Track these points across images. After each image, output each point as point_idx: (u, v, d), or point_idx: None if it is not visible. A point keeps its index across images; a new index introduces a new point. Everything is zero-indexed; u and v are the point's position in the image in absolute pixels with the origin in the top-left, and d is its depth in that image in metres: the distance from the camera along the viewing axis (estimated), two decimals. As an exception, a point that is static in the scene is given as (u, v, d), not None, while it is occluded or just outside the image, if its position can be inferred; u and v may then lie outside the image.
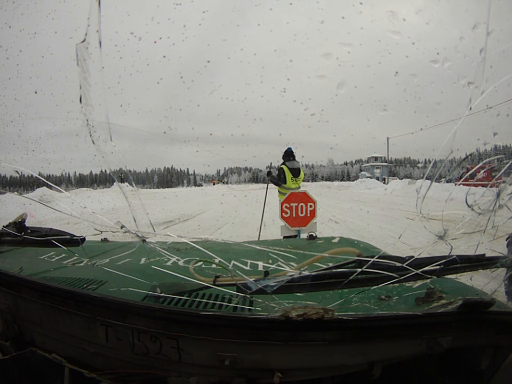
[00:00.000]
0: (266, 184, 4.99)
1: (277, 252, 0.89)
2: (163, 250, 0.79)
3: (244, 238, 4.88)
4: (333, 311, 0.63)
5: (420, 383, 0.77)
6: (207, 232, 6.39)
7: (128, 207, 0.80)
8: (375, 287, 0.69)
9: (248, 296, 0.68)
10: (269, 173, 4.74)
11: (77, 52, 0.71)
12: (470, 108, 0.69)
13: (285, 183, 4.50)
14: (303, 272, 0.67)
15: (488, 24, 0.64)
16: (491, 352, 0.70)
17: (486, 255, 0.72)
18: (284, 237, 3.89)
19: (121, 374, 0.71)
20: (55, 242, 0.93)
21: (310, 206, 3.98)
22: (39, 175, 1.01)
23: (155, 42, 1.23)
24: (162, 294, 0.78)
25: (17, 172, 1.01)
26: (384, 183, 26.84)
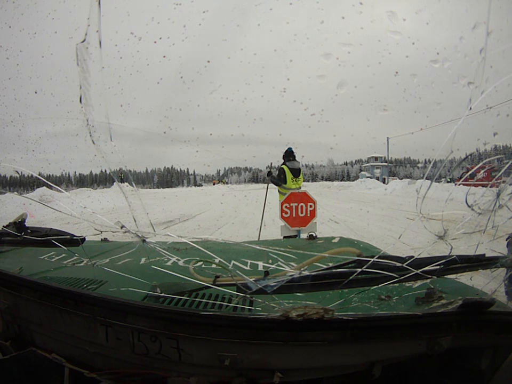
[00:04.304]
0: (266, 184, 4.99)
1: (277, 252, 0.89)
2: (163, 250, 0.79)
3: (244, 238, 4.88)
4: (333, 311, 0.63)
5: (420, 383, 0.77)
6: (207, 232, 6.39)
7: (128, 207, 0.80)
8: (375, 287, 0.69)
9: (248, 296, 0.68)
10: (269, 173, 4.74)
11: (77, 52, 0.71)
12: (470, 108, 0.69)
13: (285, 183, 4.50)
14: (303, 272, 0.67)
15: (488, 24, 0.64)
16: (491, 352, 0.70)
17: (486, 255, 0.71)
18: (284, 237, 3.89)
19: (121, 374, 0.71)
20: (55, 242, 0.93)
21: (310, 206, 3.98)
22: (39, 175, 1.01)
23: (155, 42, 1.23)
24: (162, 294, 0.78)
25: (17, 172, 1.01)
26: (384, 183, 26.85)
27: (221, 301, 0.78)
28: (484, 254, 0.71)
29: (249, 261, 1.17)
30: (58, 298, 0.75)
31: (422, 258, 0.69)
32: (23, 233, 1.00)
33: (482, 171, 0.77)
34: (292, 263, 1.03)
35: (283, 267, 1.00)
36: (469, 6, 0.89)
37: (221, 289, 0.74)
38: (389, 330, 0.66)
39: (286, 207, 3.98)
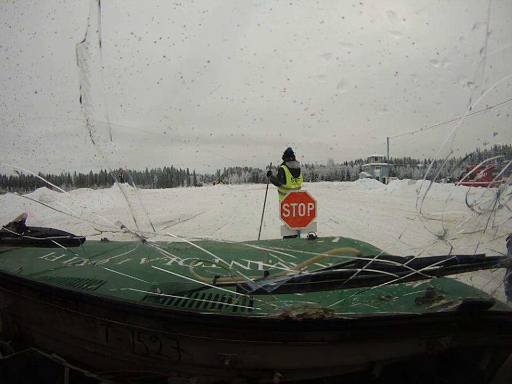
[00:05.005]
0: (266, 184, 4.99)
1: (277, 252, 0.89)
2: (163, 250, 0.79)
3: (244, 238, 4.88)
4: (333, 311, 0.63)
5: (420, 383, 0.77)
6: (207, 232, 6.40)
7: (128, 207, 0.80)
8: (375, 287, 0.69)
9: (248, 296, 0.68)
10: (269, 173, 4.74)
11: (77, 52, 0.71)
12: (470, 108, 0.69)
13: (285, 183, 4.50)
14: (303, 272, 0.67)
15: (488, 24, 0.64)
16: (491, 352, 0.70)
17: (486, 255, 0.71)
18: (284, 237, 3.89)
19: (121, 374, 0.71)
20: (55, 242, 0.93)
21: (310, 206, 3.98)
22: (39, 175, 1.01)
23: (155, 42, 1.23)
24: (162, 294, 0.78)
25: (17, 172, 1.01)
26: (384, 183, 26.86)
27: (221, 301, 0.78)
28: (484, 254, 0.71)
29: (249, 261, 1.17)
30: (58, 298, 0.75)
31: (422, 258, 0.69)
32: (23, 233, 1.00)
33: (482, 171, 0.77)
34: (292, 263, 1.03)
35: (283, 267, 1.00)
36: (469, 6, 0.89)
37: (221, 289, 0.74)
38: (389, 330, 0.66)
39: (286, 207, 3.98)
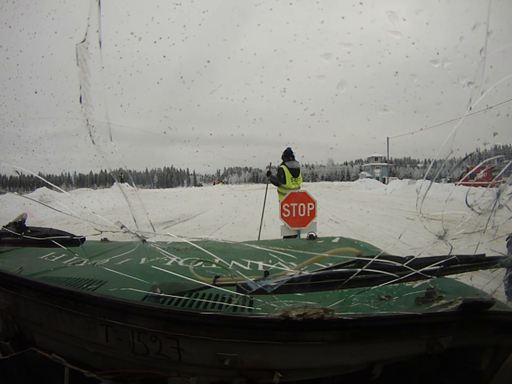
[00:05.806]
0: (266, 184, 4.99)
1: (277, 252, 0.89)
2: (163, 250, 0.79)
3: (244, 238, 4.88)
4: (333, 311, 0.63)
5: (420, 383, 0.77)
6: (207, 232, 6.40)
7: (128, 207, 0.80)
8: (375, 287, 0.69)
9: (248, 296, 0.68)
10: (269, 173, 4.74)
11: (77, 52, 0.71)
12: (470, 108, 0.69)
13: (285, 183, 4.51)
14: (303, 272, 0.67)
15: (488, 24, 0.64)
16: (491, 352, 0.70)
17: (486, 255, 0.71)
18: (284, 237, 3.89)
19: (121, 374, 0.71)
20: (55, 242, 0.93)
21: (310, 206, 3.98)
22: (39, 175, 1.01)
23: (155, 42, 1.23)
24: (162, 294, 0.78)
25: (17, 172, 1.01)
26: (384, 183, 26.87)
27: (221, 301, 0.78)
28: (484, 254, 0.71)
29: (249, 261, 1.17)
30: (58, 298, 0.75)
31: (422, 258, 0.69)
32: (23, 233, 1.00)
33: (482, 171, 0.77)
34: (292, 263, 1.03)
35: (283, 267, 1.00)
36: (469, 6, 0.89)
37: (221, 289, 0.74)
38: (389, 330, 0.66)
39: (286, 207, 3.98)
